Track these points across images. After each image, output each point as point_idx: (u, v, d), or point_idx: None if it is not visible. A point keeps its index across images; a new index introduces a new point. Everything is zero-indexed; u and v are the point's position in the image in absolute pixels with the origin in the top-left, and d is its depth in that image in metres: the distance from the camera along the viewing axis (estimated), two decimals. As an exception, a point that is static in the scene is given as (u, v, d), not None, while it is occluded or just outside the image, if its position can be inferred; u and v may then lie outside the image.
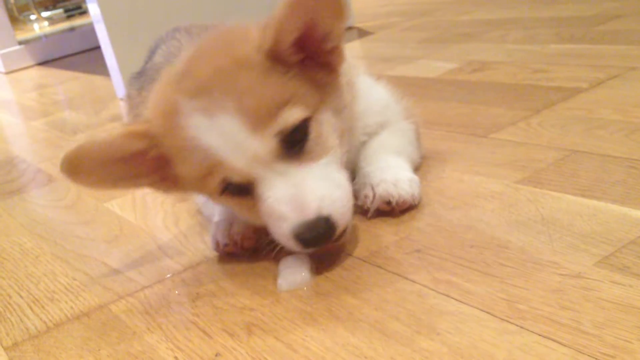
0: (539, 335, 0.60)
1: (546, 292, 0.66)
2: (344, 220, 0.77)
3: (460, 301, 0.68)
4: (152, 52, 1.27)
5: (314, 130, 0.78)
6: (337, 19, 0.78)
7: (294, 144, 0.76)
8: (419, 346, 0.63)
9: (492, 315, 0.65)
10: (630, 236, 0.73)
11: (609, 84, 1.24)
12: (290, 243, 0.76)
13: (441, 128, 1.19)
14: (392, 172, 0.92)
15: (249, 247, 0.87)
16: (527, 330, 0.61)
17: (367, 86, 0.99)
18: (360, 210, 0.91)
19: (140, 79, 1.24)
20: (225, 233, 0.86)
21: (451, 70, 1.58)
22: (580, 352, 0.57)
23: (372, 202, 0.89)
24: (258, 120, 0.74)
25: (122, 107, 1.97)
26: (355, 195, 0.91)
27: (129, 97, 1.27)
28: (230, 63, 0.76)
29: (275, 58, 0.76)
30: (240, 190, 0.78)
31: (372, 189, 0.90)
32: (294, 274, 0.79)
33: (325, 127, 0.80)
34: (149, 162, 0.80)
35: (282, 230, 0.76)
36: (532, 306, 0.64)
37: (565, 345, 0.58)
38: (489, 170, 0.97)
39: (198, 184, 0.79)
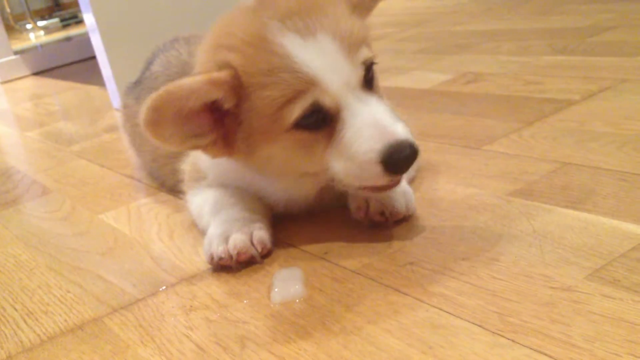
0: (530, 348, 0.61)
1: (537, 306, 0.67)
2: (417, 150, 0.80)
3: (453, 314, 0.68)
4: (150, 63, 1.28)
5: (375, 71, 0.84)
6: None
7: (368, 80, 0.82)
8: (411, 360, 0.63)
9: (483, 328, 0.65)
10: (620, 249, 0.73)
11: (601, 96, 1.24)
12: (374, 170, 0.78)
13: (435, 139, 1.20)
14: None
15: (244, 261, 0.87)
16: (518, 343, 0.62)
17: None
18: (354, 222, 0.92)
19: (137, 89, 1.24)
20: (220, 247, 0.87)
21: (445, 82, 1.59)
22: (570, 365, 0.58)
23: (366, 214, 0.90)
24: (351, 47, 0.79)
25: (118, 118, 1.97)
26: (350, 207, 0.92)
27: (125, 107, 1.27)
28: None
29: (356, 4, 0.85)
30: (318, 121, 0.79)
31: (366, 200, 0.90)
32: (287, 287, 0.80)
33: (376, 73, 0.86)
34: (213, 118, 0.81)
35: (368, 156, 0.77)
36: (524, 319, 0.65)
37: (556, 359, 0.59)
38: (481, 182, 0.98)
39: (270, 119, 0.79)
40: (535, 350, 0.60)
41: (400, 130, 0.78)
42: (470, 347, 0.63)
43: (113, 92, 2.08)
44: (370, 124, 0.78)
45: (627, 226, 0.78)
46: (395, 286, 0.76)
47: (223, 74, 0.79)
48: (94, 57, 2.16)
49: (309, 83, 0.77)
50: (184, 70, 1.07)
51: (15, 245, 1.15)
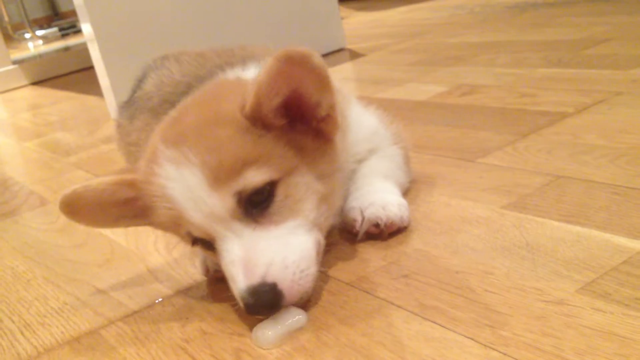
0: (522, 362, 0.62)
1: (529, 319, 0.67)
2: (295, 288, 0.74)
3: (445, 327, 0.69)
4: (140, 81, 1.28)
5: (281, 193, 0.77)
6: (321, 91, 0.77)
7: (257, 205, 0.75)
8: (404, 372, 0.64)
9: (476, 341, 0.66)
10: (612, 263, 0.74)
11: (595, 109, 1.26)
12: (242, 306, 0.75)
13: (430, 152, 1.21)
14: (380, 196, 0.93)
15: None
16: (510, 357, 0.62)
17: (356, 115, 1.00)
18: (349, 234, 0.92)
19: (130, 108, 1.24)
20: (214, 260, 0.87)
21: (440, 94, 1.60)
22: (561, 379, 0.58)
23: (361, 225, 0.90)
24: (219, 177, 0.74)
25: (114, 131, 1.98)
26: (344, 219, 0.92)
27: (119, 126, 1.28)
28: (210, 117, 0.78)
29: (255, 119, 0.76)
30: (207, 245, 0.79)
31: (361, 212, 0.91)
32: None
33: (299, 191, 0.78)
34: (141, 207, 0.82)
35: (236, 294, 0.75)
36: (515, 333, 0.66)
37: (546, 372, 0.60)
38: (475, 195, 0.99)
39: (173, 233, 0.82)
40: (526, 363, 0.61)
41: (260, 272, 0.73)
42: (462, 360, 0.64)
43: (111, 103, 2.09)
44: (234, 261, 0.74)
45: (618, 240, 0.78)
46: (389, 299, 0.77)
47: (127, 179, 0.82)
48: (92, 67, 2.17)
49: (178, 217, 0.77)
50: (177, 89, 1.08)
51: (12, 257, 1.15)
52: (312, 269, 0.77)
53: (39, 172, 1.71)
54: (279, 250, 0.75)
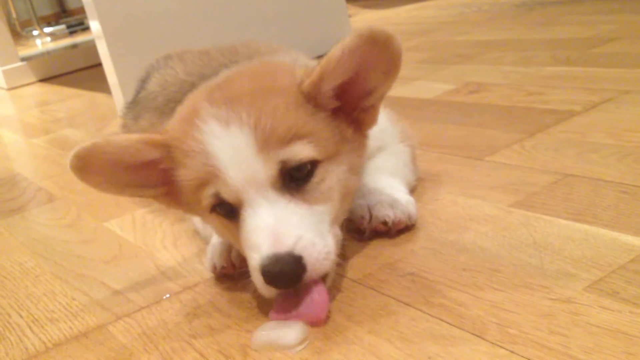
0: (529, 359, 0.62)
1: (537, 317, 0.67)
2: (318, 268, 0.73)
3: (453, 325, 0.69)
4: (144, 81, 1.28)
5: (319, 175, 0.77)
6: (388, 75, 0.78)
7: (295, 179, 0.76)
8: (411, 369, 0.64)
9: (483, 339, 0.66)
10: (619, 261, 0.74)
11: (603, 107, 1.25)
12: (256, 277, 0.73)
13: (437, 150, 1.21)
14: (388, 193, 0.93)
15: (246, 270, 0.88)
16: (517, 354, 0.63)
17: None
18: (357, 231, 0.92)
19: (135, 108, 1.24)
20: (223, 256, 0.87)
21: (448, 92, 1.60)
22: (568, 376, 0.59)
23: (369, 222, 0.91)
24: (269, 142, 0.73)
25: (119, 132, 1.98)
26: (352, 216, 0.92)
27: (125, 127, 1.28)
28: (265, 87, 0.78)
29: (311, 97, 0.77)
30: (228, 212, 0.77)
31: (369, 210, 0.91)
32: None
33: (333, 179, 0.79)
34: (158, 173, 0.81)
35: (253, 261, 0.73)
36: (523, 330, 0.66)
37: (554, 370, 0.60)
38: (483, 193, 0.99)
39: (192, 197, 0.79)
40: (533, 361, 0.61)
41: (289, 242, 0.71)
42: (469, 358, 0.64)
43: (119, 100, 2.10)
44: (262, 228, 0.73)
45: (626, 238, 0.78)
46: (396, 296, 0.77)
47: (156, 138, 0.80)
48: (100, 64, 2.18)
49: (213, 174, 0.75)
50: (182, 88, 1.08)
51: (21, 253, 1.16)
52: (333, 257, 0.76)
53: (47, 168, 1.72)
54: (309, 228, 0.74)
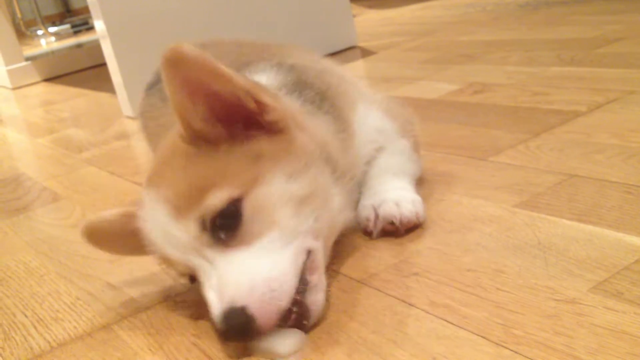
0: (533, 360, 0.62)
1: (541, 318, 0.67)
2: (267, 309, 0.68)
3: (457, 325, 0.69)
4: None
5: (249, 209, 0.72)
6: (221, 81, 0.72)
7: (225, 227, 0.72)
8: (415, 370, 0.64)
9: (487, 339, 0.66)
10: (624, 262, 0.74)
11: (608, 107, 1.25)
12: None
13: (441, 150, 1.21)
14: (393, 193, 0.93)
15: None
16: (522, 355, 0.62)
17: (360, 118, 0.98)
18: (360, 232, 0.92)
19: (162, 91, 1.19)
20: None
21: (452, 92, 1.60)
22: (573, 377, 0.59)
23: (376, 223, 0.90)
24: (179, 207, 0.72)
25: (133, 125, 1.99)
26: (358, 218, 0.92)
27: (152, 106, 1.23)
28: (167, 154, 0.78)
29: (196, 139, 0.74)
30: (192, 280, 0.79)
31: (375, 210, 0.91)
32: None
33: (269, 201, 0.73)
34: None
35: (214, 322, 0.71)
36: (527, 331, 0.66)
37: (558, 371, 0.60)
38: (487, 194, 0.99)
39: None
40: (538, 362, 0.61)
41: (228, 296, 0.68)
42: (473, 358, 0.64)
43: (123, 99, 2.10)
44: (208, 290, 0.71)
45: (631, 239, 0.78)
46: (401, 297, 0.77)
47: (131, 211, 0.82)
48: (104, 64, 2.18)
49: (159, 252, 0.77)
50: None
51: (25, 252, 1.16)
52: (289, 284, 0.71)
53: (52, 168, 1.72)
54: (247, 272, 0.70)
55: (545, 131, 1.19)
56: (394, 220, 0.89)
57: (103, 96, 2.60)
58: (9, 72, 3.38)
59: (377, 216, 0.90)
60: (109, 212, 0.85)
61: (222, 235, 0.72)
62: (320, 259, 0.77)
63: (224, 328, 0.68)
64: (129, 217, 0.81)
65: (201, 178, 0.73)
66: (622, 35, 1.80)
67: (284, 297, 0.70)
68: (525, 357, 0.62)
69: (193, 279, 0.77)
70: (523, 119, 1.29)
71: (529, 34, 2.11)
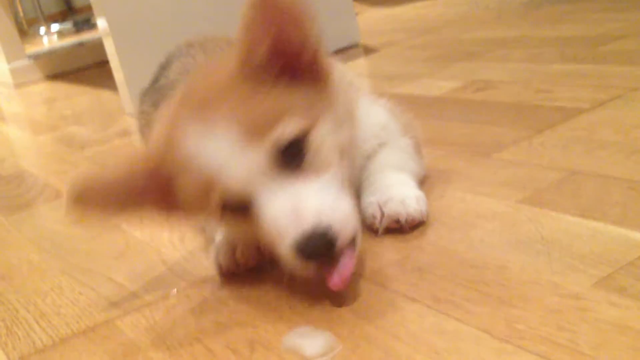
0: (537, 355, 0.61)
1: (544, 313, 0.67)
2: (347, 230, 0.73)
3: (460, 320, 0.69)
4: (164, 68, 1.28)
5: (312, 146, 0.76)
6: (300, 27, 0.76)
7: (292, 158, 0.74)
8: (418, 365, 0.64)
9: (490, 335, 0.66)
10: (628, 257, 0.74)
11: (611, 104, 1.25)
12: (292, 261, 0.73)
13: (444, 147, 1.21)
14: (398, 190, 0.93)
15: (252, 267, 0.88)
16: (525, 350, 0.62)
17: (364, 111, 0.98)
18: (366, 229, 0.92)
19: (154, 95, 1.23)
20: (227, 255, 0.87)
21: (455, 89, 1.60)
22: (576, 372, 0.58)
23: (381, 221, 0.90)
24: (252, 133, 0.72)
25: (134, 124, 1.99)
26: (363, 215, 0.91)
27: (143, 113, 1.26)
28: (222, 82, 0.77)
29: (256, 73, 0.76)
30: (240, 209, 0.76)
31: (380, 208, 0.91)
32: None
33: (326, 142, 0.77)
34: (154, 192, 0.80)
35: (283, 247, 0.73)
36: (530, 326, 0.66)
37: (561, 366, 0.59)
38: (490, 190, 0.98)
39: (199, 207, 0.78)
40: (541, 357, 0.61)
41: (313, 216, 0.71)
42: (477, 354, 0.63)
43: (125, 97, 2.10)
44: (281, 213, 0.72)
45: (634, 234, 0.78)
46: (403, 292, 0.77)
47: (142, 165, 0.79)
48: (106, 62, 2.18)
49: (212, 182, 0.74)
50: None
51: (28, 249, 1.16)
52: (356, 215, 0.77)
53: (54, 165, 1.72)
54: (325, 197, 0.74)
55: (548, 128, 1.19)
56: (400, 219, 0.89)
57: (105, 94, 2.61)
58: (12, 70, 3.39)
59: (382, 214, 0.90)
60: (109, 171, 0.81)
61: (290, 166, 0.74)
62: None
63: (310, 247, 0.71)
64: (137, 173, 0.79)
65: (270, 109, 0.74)
66: (626, 32, 1.80)
67: (355, 223, 0.76)
68: (529, 352, 0.62)
69: (223, 214, 0.77)
70: (526, 116, 1.29)
71: (532, 32, 2.11)
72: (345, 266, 0.74)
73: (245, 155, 0.72)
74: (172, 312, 0.84)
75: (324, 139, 0.77)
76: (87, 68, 3.52)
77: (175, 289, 0.90)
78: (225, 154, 0.73)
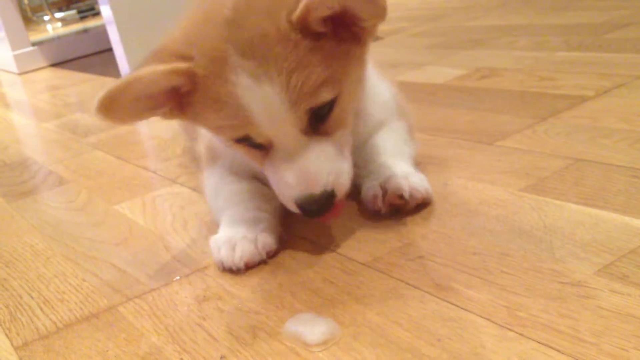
0: (538, 342, 0.61)
1: (546, 300, 0.67)
2: (344, 188, 0.83)
3: (462, 308, 0.69)
4: None
5: (338, 106, 0.81)
6: (375, 17, 0.79)
7: (320, 117, 0.80)
8: (420, 352, 0.64)
9: (492, 322, 0.66)
10: (630, 245, 0.74)
11: (615, 92, 1.24)
12: (292, 207, 0.83)
13: (448, 135, 1.21)
14: (399, 168, 0.93)
15: (253, 266, 0.87)
16: (527, 337, 0.62)
17: (373, 82, 1.00)
18: (365, 215, 0.92)
19: None
20: (228, 253, 0.87)
21: (459, 77, 1.59)
22: (577, 359, 0.58)
23: (384, 199, 0.90)
24: (299, 97, 0.77)
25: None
26: (365, 199, 0.93)
27: None
28: (274, 30, 0.76)
29: (304, 28, 0.76)
30: (256, 145, 0.82)
31: (381, 187, 0.91)
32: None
33: (347, 101, 0.83)
34: (177, 95, 0.82)
35: (287, 196, 0.82)
36: (532, 314, 0.66)
37: (563, 353, 0.59)
38: (493, 178, 0.98)
39: (217, 129, 0.84)
40: (543, 344, 0.61)
41: (322, 184, 0.81)
42: (478, 340, 0.64)
43: (129, 84, 2.10)
44: (294, 171, 0.81)
45: (637, 222, 0.78)
46: (405, 279, 0.77)
47: (183, 68, 0.79)
48: (110, 49, 2.18)
49: (243, 122, 0.79)
50: None
51: (32, 235, 1.17)
52: (352, 172, 0.85)
53: (58, 152, 1.73)
54: (334, 162, 0.82)
55: (552, 116, 1.18)
56: (404, 194, 0.89)
57: (109, 81, 2.58)
58: (16, 57, 3.39)
59: (385, 191, 0.90)
60: (151, 71, 0.78)
61: (315, 124, 0.80)
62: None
63: (313, 207, 0.81)
64: (178, 76, 0.79)
65: (315, 73, 0.77)
66: (630, 20, 1.79)
67: (349, 181, 0.85)
68: (530, 339, 0.62)
69: (239, 140, 0.83)
70: (530, 103, 1.29)
71: (537, 19, 2.10)
72: (336, 208, 0.84)
73: (287, 116, 0.77)
74: (174, 299, 0.85)
75: (346, 98, 0.82)
76: (91, 55, 3.52)
77: (178, 276, 0.90)
78: (269, 110, 0.77)
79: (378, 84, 1.03)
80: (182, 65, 0.79)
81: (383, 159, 0.96)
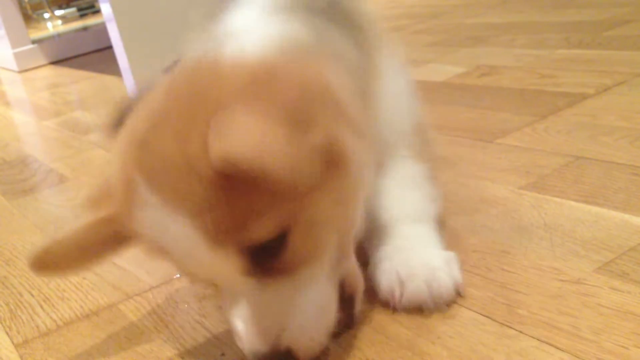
0: (538, 340, 0.62)
1: (546, 298, 0.67)
2: (310, 350, 0.62)
3: (462, 305, 0.69)
4: None
5: (295, 239, 0.60)
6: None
7: (268, 255, 0.60)
8: (419, 349, 0.64)
9: (492, 319, 0.66)
10: (630, 243, 0.74)
11: (616, 90, 1.24)
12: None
13: (448, 133, 1.20)
14: (421, 256, 0.73)
15: None
16: (526, 334, 0.63)
17: (391, 72, 0.85)
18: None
19: None
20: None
21: (459, 74, 1.59)
22: (577, 357, 0.58)
23: (400, 300, 0.71)
24: (224, 236, 0.57)
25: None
26: (376, 282, 0.73)
27: None
28: (183, 159, 0.56)
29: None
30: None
31: (400, 282, 0.71)
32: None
33: (315, 229, 0.61)
34: (113, 240, 0.69)
35: (242, 346, 0.64)
36: (532, 311, 0.66)
37: (562, 350, 0.60)
38: (493, 176, 0.98)
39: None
40: (542, 341, 0.61)
41: (272, 337, 0.61)
42: (478, 338, 0.64)
43: (129, 82, 2.10)
44: (242, 318, 0.62)
45: (637, 220, 0.78)
46: (406, 277, 0.77)
47: (101, 220, 0.66)
48: (110, 47, 2.18)
49: (176, 264, 0.63)
50: None
51: (32, 233, 1.17)
52: (331, 323, 0.64)
53: (58, 150, 1.73)
54: (295, 310, 0.62)
55: (553, 113, 1.18)
56: (423, 305, 0.70)
57: (109, 79, 2.60)
58: (16, 55, 3.38)
59: (402, 294, 0.70)
60: (71, 230, 0.69)
61: (263, 265, 0.60)
62: (358, 274, 0.69)
63: None
64: (102, 226, 0.67)
65: (246, 203, 0.56)
66: (631, 17, 1.79)
67: (326, 334, 0.64)
68: (530, 336, 0.62)
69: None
70: (530, 101, 1.29)
71: (537, 17, 2.09)
72: None
73: (209, 259, 0.58)
74: (175, 297, 0.85)
75: (314, 225, 0.61)
76: (91, 53, 3.52)
77: (178, 274, 0.90)
78: (185, 251, 0.59)
79: (397, 76, 0.87)
80: (101, 215, 0.67)
81: (400, 227, 0.77)
